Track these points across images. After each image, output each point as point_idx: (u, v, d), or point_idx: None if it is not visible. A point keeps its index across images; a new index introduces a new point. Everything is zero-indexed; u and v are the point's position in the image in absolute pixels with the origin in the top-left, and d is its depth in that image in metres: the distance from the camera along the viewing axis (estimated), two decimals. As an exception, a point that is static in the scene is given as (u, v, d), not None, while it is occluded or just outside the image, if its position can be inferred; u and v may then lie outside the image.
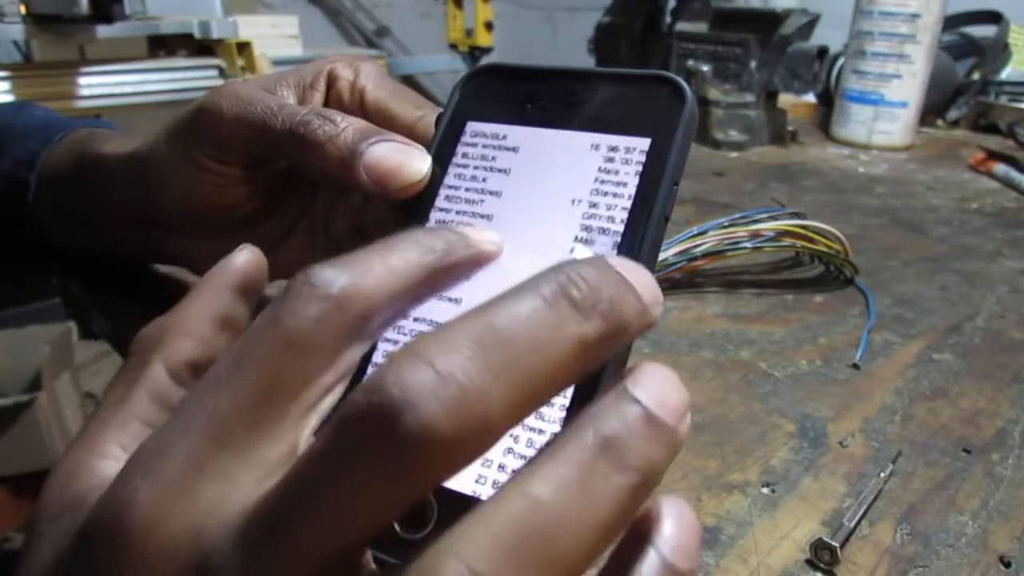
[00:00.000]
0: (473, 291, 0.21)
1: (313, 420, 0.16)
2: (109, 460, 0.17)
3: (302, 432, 0.15)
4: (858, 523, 0.27)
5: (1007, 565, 0.26)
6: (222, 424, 0.15)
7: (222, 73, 1.51)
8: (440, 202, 0.24)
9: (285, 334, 0.15)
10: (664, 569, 0.14)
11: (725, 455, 0.31)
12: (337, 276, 0.15)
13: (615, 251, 0.21)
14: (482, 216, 0.23)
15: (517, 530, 0.13)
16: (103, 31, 1.34)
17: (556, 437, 0.14)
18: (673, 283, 0.47)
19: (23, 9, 1.28)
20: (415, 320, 0.23)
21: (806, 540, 0.26)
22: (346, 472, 0.13)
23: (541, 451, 0.14)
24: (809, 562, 0.26)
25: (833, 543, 0.25)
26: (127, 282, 0.42)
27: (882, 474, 0.30)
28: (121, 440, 0.17)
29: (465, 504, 0.14)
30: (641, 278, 0.15)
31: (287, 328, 0.15)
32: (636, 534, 0.15)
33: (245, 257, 0.20)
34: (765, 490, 0.29)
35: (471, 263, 0.17)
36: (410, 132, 0.28)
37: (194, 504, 0.14)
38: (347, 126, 0.26)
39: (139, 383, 0.18)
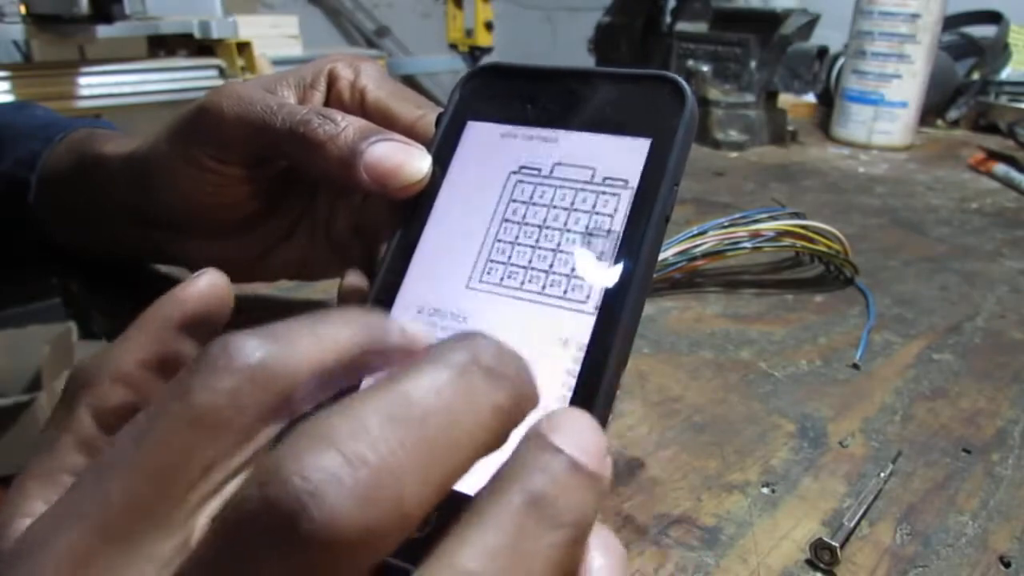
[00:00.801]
0: None
1: (212, 506, 0.14)
2: (32, 519, 0.16)
3: (198, 520, 0.14)
4: (858, 523, 0.27)
5: (1007, 565, 0.26)
6: (111, 514, 0.13)
7: (222, 73, 1.51)
8: None
9: (191, 410, 0.13)
10: None
11: (725, 455, 0.31)
12: (257, 346, 0.14)
13: (616, 252, 0.21)
14: None
15: None
16: (103, 31, 1.34)
17: (479, 498, 0.13)
18: (673, 283, 0.47)
19: (23, 9, 1.28)
20: None
21: (806, 540, 0.26)
22: None
23: (465, 515, 0.13)
24: (809, 562, 0.26)
25: (833, 543, 0.25)
26: (127, 282, 0.42)
27: (882, 474, 0.30)
28: (46, 496, 0.16)
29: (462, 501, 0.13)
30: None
31: (194, 404, 0.13)
32: None
33: (200, 286, 0.18)
34: (765, 490, 0.29)
35: (402, 352, 0.16)
36: (410, 132, 0.28)
37: None
38: (347, 125, 0.26)
39: (66, 430, 0.17)
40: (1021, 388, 0.38)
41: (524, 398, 0.14)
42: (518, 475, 0.13)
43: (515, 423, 0.14)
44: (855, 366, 0.39)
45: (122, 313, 0.40)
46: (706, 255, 0.44)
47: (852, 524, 0.27)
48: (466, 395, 0.13)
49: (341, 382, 0.15)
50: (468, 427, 0.13)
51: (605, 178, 0.23)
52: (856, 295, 0.48)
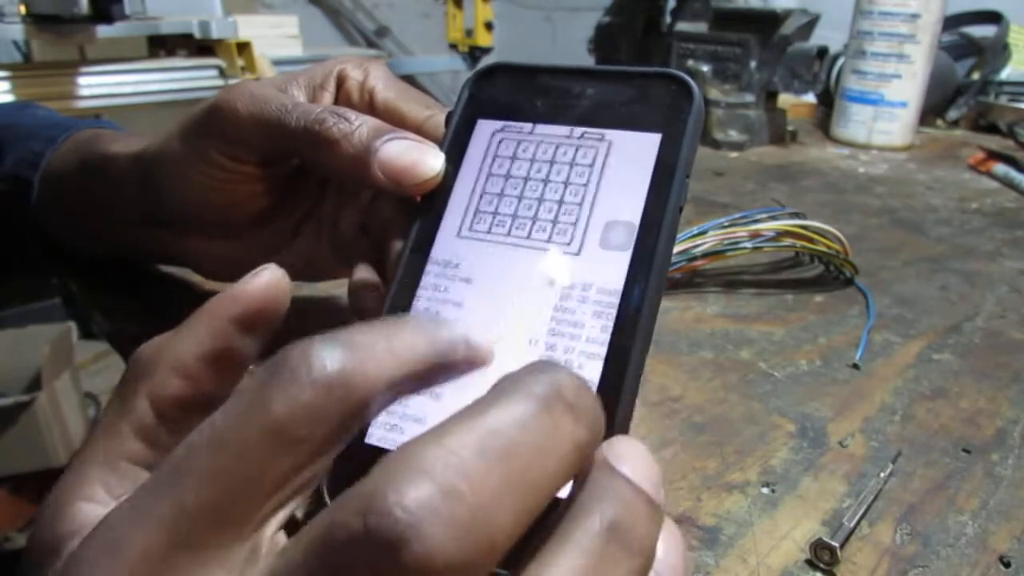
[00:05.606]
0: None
1: (280, 516, 0.14)
2: (92, 503, 0.16)
3: (268, 530, 0.14)
4: (858, 523, 0.27)
5: (1007, 565, 0.26)
6: (186, 521, 0.13)
7: (222, 73, 1.51)
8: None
9: (270, 422, 0.13)
10: None
11: (725, 455, 0.31)
12: (336, 357, 0.14)
13: (634, 242, 0.22)
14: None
15: None
16: (103, 31, 1.33)
17: (559, 521, 0.14)
18: (673, 283, 0.47)
19: (23, 9, 1.28)
20: None
21: (806, 540, 0.26)
22: None
23: (547, 538, 0.13)
24: (809, 562, 0.26)
25: (833, 543, 0.25)
26: (127, 282, 0.42)
27: (882, 474, 0.30)
28: (105, 480, 0.16)
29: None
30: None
31: (273, 415, 0.13)
32: None
33: (259, 283, 0.18)
34: (765, 490, 0.29)
35: (466, 366, 0.16)
36: (419, 132, 0.28)
37: None
38: (361, 124, 0.26)
39: (125, 417, 0.17)
40: (1021, 388, 0.38)
41: (599, 433, 0.14)
42: (595, 502, 0.14)
43: (591, 455, 0.14)
44: (855, 366, 0.39)
45: (122, 313, 0.40)
46: (706, 255, 0.44)
47: (852, 524, 0.27)
48: (551, 430, 0.13)
49: (409, 392, 0.15)
50: (551, 461, 0.13)
51: (621, 172, 0.23)
52: (856, 295, 0.48)
